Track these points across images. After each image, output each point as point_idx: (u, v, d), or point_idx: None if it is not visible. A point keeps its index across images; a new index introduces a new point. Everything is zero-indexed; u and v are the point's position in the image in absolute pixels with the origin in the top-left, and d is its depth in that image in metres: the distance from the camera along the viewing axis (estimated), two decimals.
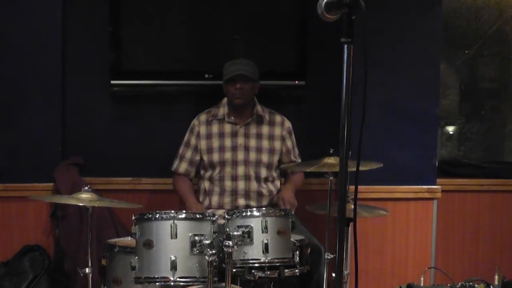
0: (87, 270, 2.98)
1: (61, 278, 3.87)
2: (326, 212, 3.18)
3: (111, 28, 4.02)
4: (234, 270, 2.83)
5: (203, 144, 3.68)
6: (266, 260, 2.87)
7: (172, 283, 2.75)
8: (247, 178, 3.64)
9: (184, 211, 2.90)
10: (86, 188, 3.02)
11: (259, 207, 3.42)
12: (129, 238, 3.11)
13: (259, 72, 3.65)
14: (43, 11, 3.95)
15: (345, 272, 3.17)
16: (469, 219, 4.36)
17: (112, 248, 3.01)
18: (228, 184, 3.63)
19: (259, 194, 3.64)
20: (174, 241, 2.77)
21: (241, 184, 3.63)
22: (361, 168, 2.02)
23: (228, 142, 3.66)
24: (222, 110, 3.69)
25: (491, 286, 3.42)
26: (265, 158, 3.67)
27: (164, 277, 2.75)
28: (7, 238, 3.94)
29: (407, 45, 4.05)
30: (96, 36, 4.11)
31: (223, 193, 3.63)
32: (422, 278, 3.53)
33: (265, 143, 3.69)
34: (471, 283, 3.36)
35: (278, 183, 3.76)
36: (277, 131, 3.73)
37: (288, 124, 3.78)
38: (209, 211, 3.53)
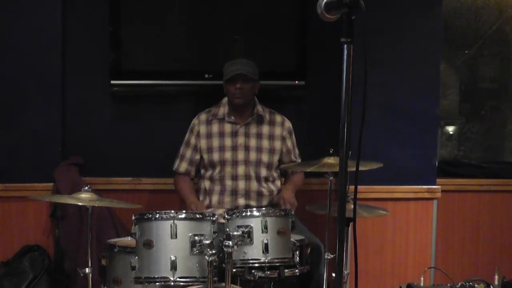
0: (87, 270, 2.98)
1: (61, 278, 3.87)
2: (326, 212, 3.18)
3: (111, 28, 4.02)
4: (234, 270, 2.83)
5: (203, 143, 3.68)
6: (266, 260, 2.87)
7: (172, 283, 2.74)
8: (247, 177, 3.64)
9: (184, 211, 2.90)
10: (86, 188, 3.02)
11: (259, 207, 3.43)
12: (129, 238, 3.11)
13: (259, 72, 3.65)
14: (43, 11, 3.95)
15: (345, 272, 3.17)
16: (469, 219, 4.36)
17: (112, 248, 3.01)
18: (228, 183, 3.63)
19: (259, 194, 3.64)
20: (174, 241, 2.77)
21: (241, 184, 3.63)
22: (361, 168, 2.02)
23: (228, 141, 3.66)
24: (223, 109, 3.69)
25: (491, 286, 3.42)
26: (265, 158, 3.67)
27: (164, 277, 2.75)
28: (7, 238, 3.94)
29: (407, 45, 4.05)
30: (96, 36, 4.11)
31: (223, 193, 3.63)
32: (422, 278, 3.53)
33: (265, 143, 3.69)
34: (471, 283, 3.36)
35: (278, 183, 3.76)
36: (278, 131, 3.73)
37: (288, 124, 3.78)
38: (209, 210, 3.53)
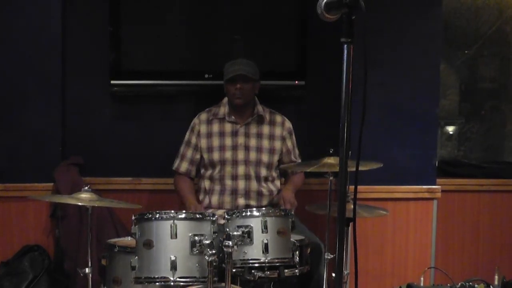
0: (87, 270, 2.98)
1: (61, 278, 3.87)
2: (326, 212, 3.18)
3: (111, 28, 4.03)
4: (234, 270, 2.83)
5: (203, 142, 3.68)
6: (266, 260, 2.87)
7: (172, 283, 2.74)
8: (247, 177, 3.64)
9: (184, 211, 2.90)
10: (86, 188, 3.02)
11: (259, 207, 3.43)
12: (129, 238, 3.11)
13: (259, 72, 3.65)
14: (43, 11, 3.95)
15: (345, 272, 3.17)
16: (469, 219, 4.36)
17: (112, 248, 3.01)
18: (228, 183, 3.63)
19: (259, 194, 3.64)
20: (174, 241, 2.77)
21: (241, 184, 3.63)
22: (361, 168, 2.02)
23: (228, 141, 3.66)
24: (223, 109, 3.69)
25: (491, 286, 3.42)
26: (265, 157, 3.67)
27: (164, 277, 2.75)
28: (7, 238, 3.94)
29: (407, 45, 4.05)
30: (96, 36, 4.11)
31: (223, 193, 3.63)
32: (422, 278, 3.53)
33: (266, 143, 3.69)
34: (471, 283, 3.36)
35: (278, 183, 3.76)
36: (278, 131, 3.73)
37: (288, 124, 3.78)
38: (209, 211, 3.53)
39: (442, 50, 4.32)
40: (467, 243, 4.37)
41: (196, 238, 2.76)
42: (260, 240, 2.87)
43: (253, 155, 3.66)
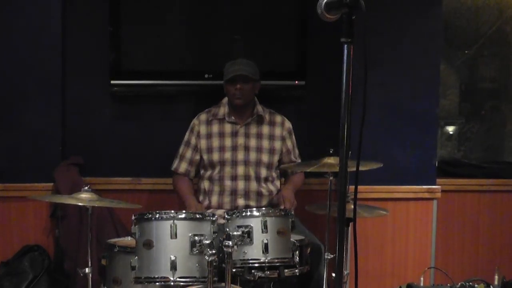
0: (87, 270, 2.98)
1: (61, 278, 3.87)
2: (326, 212, 3.18)
3: (111, 28, 4.02)
4: (234, 270, 2.83)
5: (203, 143, 3.68)
6: (266, 260, 2.87)
7: (172, 283, 2.75)
8: (247, 178, 3.64)
9: (184, 211, 2.90)
10: (86, 188, 3.02)
11: (258, 207, 3.43)
12: (129, 238, 3.11)
13: (259, 72, 3.65)
14: (43, 11, 3.95)
15: (345, 272, 3.17)
16: (469, 219, 4.36)
17: (112, 248, 3.01)
18: (227, 184, 3.63)
19: (259, 194, 3.64)
20: (174, 241, 2.77)
21: (240, 184, 3.63)
22: (361, 168, 2.02)
23: (228, 141, 3.66)
24: (223, 109, 3.69)
25: (491, 286, 3.42)
26: (265, 158, 3.67)
27: (164, 277, 2.75)
28: (7, 238, 3.94)
29: (407, 45, 4.05)
30: (96, 36, 4.11)
31: (223, 193, 3.63)
32: (422, 278, 3.54)
33: (265, 143, 3.69)
34: (471, 283, 3.37)
35: (278, 183, 3.76)
36: (278, 131, 3.72)
37: (288, 124, 3.78)
38: (209, 211, 3.53)
39: (442, 50, 4.32)
40: (467, 243, 4.37)
41: (196, 238, 2.76)
42: (260, 240, 2.87)
43: (253, 156, 3.66)
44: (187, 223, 2.81)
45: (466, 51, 5.19)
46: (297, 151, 3.81)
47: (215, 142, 3.66)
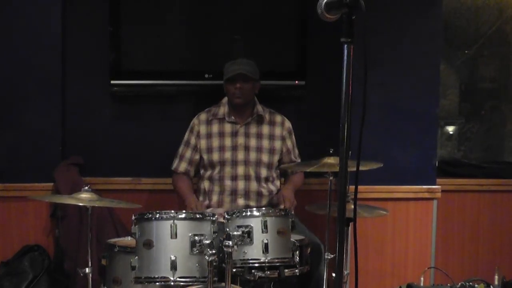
0: (87, 270, 2.98)
1: (61, 278, 3.87)
2: (326, 212, 3.18)
3: (111, 28, 4.02)
4: (234, 270, 2.83)
5: (203, 143, 3.68)
6: (266, 260, 2.87)
7: (172, 283, 2.75)
8: (247, 178, 3.64)
9: (184, 211, 2.90)
10: (86, 188, 3.02)
11: (258, 207, 3.43)
12: (129, 238, 3.11)
13: (259, 72, 3.65)
14: (43, 11, 3.95)
15: (345, 272, 3.17)
16: (469, 219, 4.36)
17: (112, 248, 3.01)
18: (227, 183, 3.63)
19: (259, 194, 3.64)
20: (174, 241, 2.77)
21: (240, 184, 3.63)
22: (361, 168, 2.02)
23: (228, 141, 3.66)
24: (223, 109, 3.69)
25: (491, 286, 3.42)
26: (265, 158, 3.67)
27: (164, 277, 2.75)
28: (7, 238, 3.93)
29: (407, 45, 4.05)
30: (96, 36, 4.11)
31: (223, 193, 3.63)
32: (422, 278, 3.53)
33: (265, 143, 3.69)
34: (471, 283, 3.36)
35: (278, 183, 3.76)
36: (277, 131, 3.73)
37: (288, 124, 3.78)
38: (209, 210, 3.53)
39: (442, 50, 4.32)
40: (467, 243, 4.37)
41: (196, 238, 2.76)
42: (260, 240, 2.87)
43: (253, 155, 3.66)
44: (187, 223, 2.81)
45: (466, 51, 5.19)
46: (297, 151, 3.81)
47: (215, 142, 3.66)
